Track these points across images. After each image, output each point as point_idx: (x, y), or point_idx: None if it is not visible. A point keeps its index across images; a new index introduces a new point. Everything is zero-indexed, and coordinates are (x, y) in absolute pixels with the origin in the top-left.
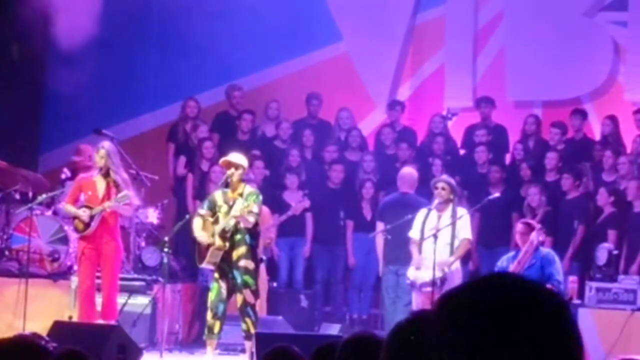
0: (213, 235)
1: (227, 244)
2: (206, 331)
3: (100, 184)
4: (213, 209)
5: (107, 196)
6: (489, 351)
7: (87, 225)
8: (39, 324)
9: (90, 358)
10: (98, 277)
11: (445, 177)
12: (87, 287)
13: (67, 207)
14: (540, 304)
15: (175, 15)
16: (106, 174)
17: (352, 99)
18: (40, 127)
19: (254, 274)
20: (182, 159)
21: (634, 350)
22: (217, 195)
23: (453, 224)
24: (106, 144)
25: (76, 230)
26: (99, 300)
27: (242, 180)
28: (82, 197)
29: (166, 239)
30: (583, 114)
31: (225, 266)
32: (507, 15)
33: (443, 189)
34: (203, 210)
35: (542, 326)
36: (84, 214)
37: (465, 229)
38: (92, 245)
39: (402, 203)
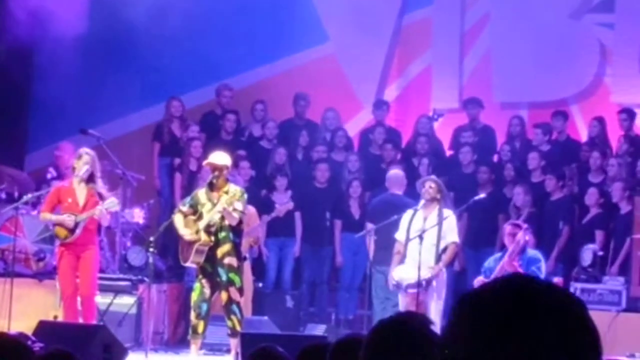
0: (197, 232)
1: (213, 239)
2: (190, 331)
3: (81, 192)
4: (195, 207)
5: (90, 203)
6: (493, 347)
7: (70, 231)
8: (24, 324)
9: (77, 358)
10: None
11: (433, 176)
12: (71, 292)
13: (45, 214)
14: (548, 302)
15: (162, 15)
16: (88, 181)
17: (339, 100)
18: (26, 126)
19: (239, 271)
20: (170, 159)
21: (619, 352)
22: (201, 193)
23: (439, 224)
24: (89, 151)
25: (57, 237)
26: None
27: (226, 180)
28: (60, 205)
29: (152, 238)
30: (564, 115)
31: (208, 266)
32: (493, 17)
33: (430, 187)
34: (185, 207)
35: (545, 324)
36: (68, 218)
37: (452, 232)
38: (72, 251)
39: (391, 204)
